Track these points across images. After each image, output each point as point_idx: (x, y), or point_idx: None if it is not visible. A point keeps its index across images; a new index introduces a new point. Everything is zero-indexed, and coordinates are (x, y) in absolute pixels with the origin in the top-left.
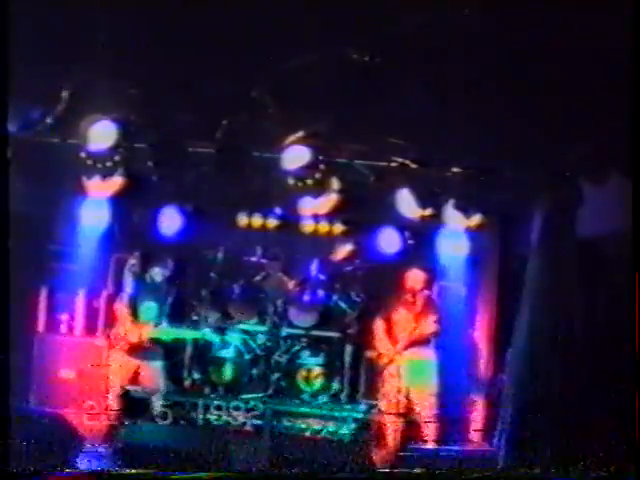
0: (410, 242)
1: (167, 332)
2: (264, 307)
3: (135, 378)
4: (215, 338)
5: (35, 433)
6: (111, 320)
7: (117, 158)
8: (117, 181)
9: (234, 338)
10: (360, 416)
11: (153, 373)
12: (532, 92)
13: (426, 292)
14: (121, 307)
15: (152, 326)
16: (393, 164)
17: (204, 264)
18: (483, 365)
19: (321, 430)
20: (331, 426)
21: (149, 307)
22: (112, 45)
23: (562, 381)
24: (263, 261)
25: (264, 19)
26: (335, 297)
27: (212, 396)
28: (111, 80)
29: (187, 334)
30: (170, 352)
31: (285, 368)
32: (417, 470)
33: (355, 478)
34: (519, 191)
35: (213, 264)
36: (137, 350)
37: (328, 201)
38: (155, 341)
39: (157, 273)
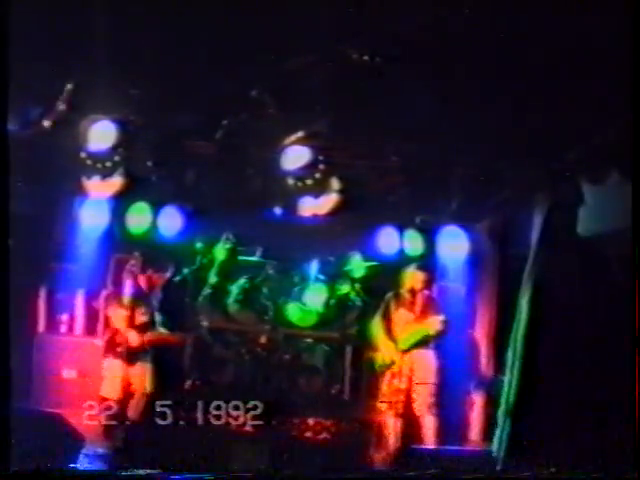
0: (410, 242)
1: (166, 334)
2: (264, 307)
3: (135, 380)
4: (215, 339)
5: (35, 433)
6: (109, 321)
7: (117, 158)
8: (117, 181)
9: (234, 338)
10: (360, 416)
11: (152, 375)
12: (532, 92)
13: (426, 292)
14: (119, 309)
15: (151, 328)
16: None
17: (204, 264)
18: (483, 365)
19: (321, 430)
20: (331, 426)
21: (147, 309)
22: (112, 45)
23: (562, 380)
24: (263, 261)
25: (264, 19)
26: (335, 297)
27: (211, 397)
28: (111, 80)
29: (187, 335)
30: (170, 353)
31: (285, 368)
32: (417, 470)
33: (355, 478)
34: (519, 191)
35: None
36: (136, 353)
37: (328, 201)
38: (154, 343)
39: (156, 277)
